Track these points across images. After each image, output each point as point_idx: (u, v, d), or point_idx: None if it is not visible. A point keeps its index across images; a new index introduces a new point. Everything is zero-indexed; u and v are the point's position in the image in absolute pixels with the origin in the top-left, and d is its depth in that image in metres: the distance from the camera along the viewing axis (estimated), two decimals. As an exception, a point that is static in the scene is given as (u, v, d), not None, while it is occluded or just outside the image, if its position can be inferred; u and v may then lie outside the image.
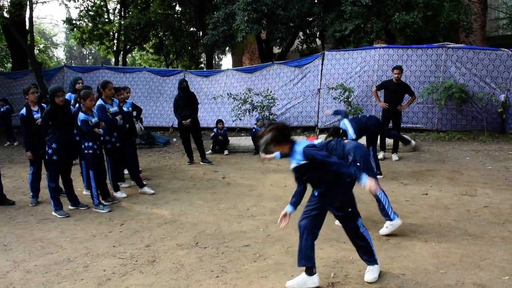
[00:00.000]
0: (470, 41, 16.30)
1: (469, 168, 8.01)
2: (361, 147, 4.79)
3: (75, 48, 45.62)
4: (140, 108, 8.95)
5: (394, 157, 8.96)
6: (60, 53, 48.40)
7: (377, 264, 3.83)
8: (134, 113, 8.52)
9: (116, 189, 7.04)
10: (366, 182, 3.39)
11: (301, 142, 3.64)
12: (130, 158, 7.35)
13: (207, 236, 5.06)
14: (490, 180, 7.12)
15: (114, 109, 6.97)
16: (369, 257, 3.80)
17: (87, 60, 48.69)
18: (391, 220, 4.79)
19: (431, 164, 8.51)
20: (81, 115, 6.16)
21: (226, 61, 53.53)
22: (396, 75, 8.81)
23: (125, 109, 7.82)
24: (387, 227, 4.82)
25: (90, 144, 6.24)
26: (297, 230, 5.09)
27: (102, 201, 6.40)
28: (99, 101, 6.81)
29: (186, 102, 9.11)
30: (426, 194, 6.43)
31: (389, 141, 9.23)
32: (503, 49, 11.28)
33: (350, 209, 3.74)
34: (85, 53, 48.19)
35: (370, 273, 3.79)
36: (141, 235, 5.17)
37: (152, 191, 7.11)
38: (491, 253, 4.26)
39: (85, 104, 6.24)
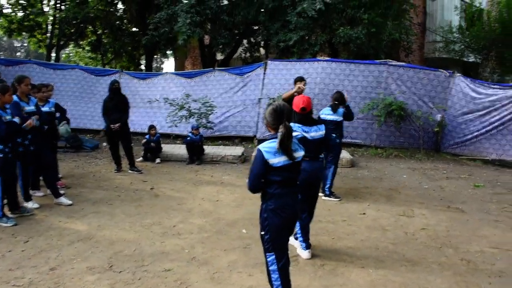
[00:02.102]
0: (409, 60, 16.75)
1: (406, 187, 7.94)
2: None
3: (4, 39, 42.58)
4: (64, 109, 8.13)
5: None
6: (-15, 43, 45.29)
7: None
8: (58, 115, 7.72)
9: (27, 198, 6.22)
10: None
11: None
12: (48, 164, 6.57)
13: (124, 258, 4.46)
14: (426, 200, 7.05)
15: (30, 108, 6.18)
16: None
17: (19, 53, 45.65)
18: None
19: (369, 181, 8.37)
20: None
21: (168, 65, 52.37)
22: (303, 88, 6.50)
23: (46, 109, 7.07)
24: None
25: (1, 147, 5.44)
26: (226, 251, 4.67)
27: (7, 213, 5.58)
28: (13, 98, 6.00)
29: (116, 105, 8.42)
30: (364, 213, 6.20)
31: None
32: (441, 70, 11.52)
33: (261, 232, 3.30)
34: (16, 45, 45.16)
35: None
36: (47, 255, 4.47)
37: (69, 202, 6.37)
38: (429, 282, 4.04)
39: (2, 99, 5.45)
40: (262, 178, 3.14)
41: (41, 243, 4.82)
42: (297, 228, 4.58)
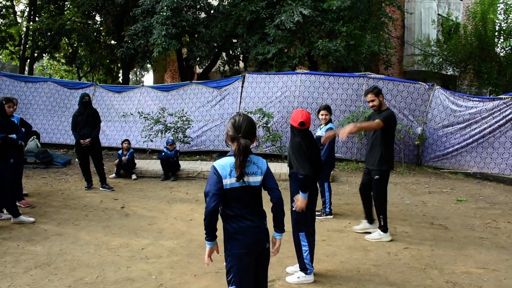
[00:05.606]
0: (389, 73, 16.73)
1: (387, 202, 7.65)
2: None
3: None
4: (30, 124, 7.70)
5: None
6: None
7: None
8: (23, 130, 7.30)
9: (-16, 220, 5.78)
10: None
11: None
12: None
13: (85, 286, 4.05)
14: (409, 216, 6.81)
15: None
16: None
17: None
18: (306, 272, 4.16)
19: (350, 197, 8.11)
20: None
21: (148, 78, 51.89)
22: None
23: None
24: (298, 278, 4.16)
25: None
26: (196, 277, 4.31)
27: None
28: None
29: (86, 119, 8.04)
30: (344, 232, 5.90)
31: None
32: (421, 82, 11.42)
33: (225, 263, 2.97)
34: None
35: None
36: (-2, 285, 4.05)
37: (31, 219, 5.99)
38: (414, 309, 3.74)
39: None
40: (219, 199, 2.70)
41: (-7, 271, 4.39)
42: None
